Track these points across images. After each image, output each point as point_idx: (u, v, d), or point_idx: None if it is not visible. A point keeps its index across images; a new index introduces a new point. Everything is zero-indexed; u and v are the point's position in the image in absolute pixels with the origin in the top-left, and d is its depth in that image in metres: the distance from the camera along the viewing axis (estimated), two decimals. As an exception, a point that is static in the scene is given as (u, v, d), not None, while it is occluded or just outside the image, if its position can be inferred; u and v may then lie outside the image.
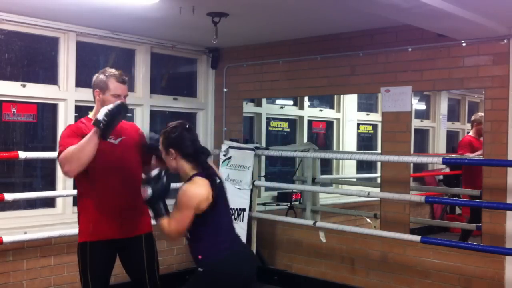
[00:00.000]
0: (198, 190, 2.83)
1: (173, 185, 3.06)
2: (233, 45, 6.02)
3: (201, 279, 2.91)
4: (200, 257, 2.91)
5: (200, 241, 2.92)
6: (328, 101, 7.63)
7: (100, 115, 3.06)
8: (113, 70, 3.36)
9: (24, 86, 4.83)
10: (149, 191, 2.92)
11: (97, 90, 3.34)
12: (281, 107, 7.05)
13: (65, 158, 3.11)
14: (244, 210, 5.44)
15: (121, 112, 3.12)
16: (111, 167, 3.27)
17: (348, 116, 7.66)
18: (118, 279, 4.69)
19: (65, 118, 5.08)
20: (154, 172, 3.00)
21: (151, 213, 3.01)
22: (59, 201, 5.09)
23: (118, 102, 3.16)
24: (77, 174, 3.21)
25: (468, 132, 7.13)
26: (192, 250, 2.98)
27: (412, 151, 4.93)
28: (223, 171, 5.49)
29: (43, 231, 4.69)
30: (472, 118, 6.63)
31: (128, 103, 5.46)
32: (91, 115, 3.42)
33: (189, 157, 2.93)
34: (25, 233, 4.59)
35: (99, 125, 3.04)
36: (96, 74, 3.38)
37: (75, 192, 4.88)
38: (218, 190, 2.92)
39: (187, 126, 3.00)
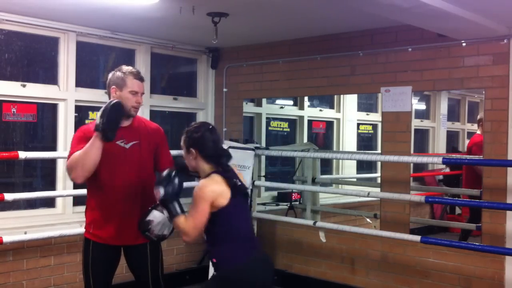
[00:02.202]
0: (213, 185, 2.82)
1: (187, 184, 3.05)
2: (233, 45, 6.02)
3: (215, 284, 2.91)
4: (214, 260, 2.90)
5: (215, 244, 2.90)
6: (328, 101, 7.63)
7: (97, 118, 3.04)
8: (130, 68, 3.35)
9: (24, 86, 4.83)
10: (161, 191, 2.89)
11: (113, 87, 3.29)
12: (281, 107, 7.05)
13: (70, 165, 3.11)
14: (244, 210, 5.43)
15: (117, 109, 3.06)
16: (118, 171, 3.23)
17: (348, 116, 7.66)
18: (118, 279, 4.69)
19: (65, 118, 5.08)
20: (165, 172, 2.98)
21: (166, 214, 2.96)
22: (59, 201, 5.09)
23: (114, 100, 3.12)
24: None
25: (470, 132, 7.11)
26: (208, 253, 2.98)
27: (412, 151, 4.93)
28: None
29: (43, 231, 4.70)
30: (478, 117, 6.58)
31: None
32: None
33: (209, 158, 2.92)
34: (25, 233, 4.60)
35: (98, 128, 3.02)
36: (112, 72, 3.35)
37: (75, 192, 4.95)
38: (237, 193, 2.88)
39: (210, 127, 2.99)
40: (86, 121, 5.33)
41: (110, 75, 3.35)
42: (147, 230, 3.19)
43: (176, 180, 2.92)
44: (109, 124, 3.03)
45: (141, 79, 3.34)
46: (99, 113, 3.05)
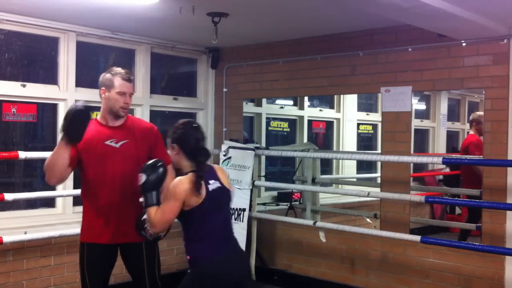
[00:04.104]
0: (188, 184, 2.86)
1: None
2: (233, 45, 6.02)
3: (188, 281, 2.96)
4: (188, 257, 2.96)
5: (189, 241, 2.97)
6: (328, 101, 7.63)
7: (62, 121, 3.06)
8: (119, 69, 3.38)
9: (24, 86, 4.83)
10: (143, 178, 2.98)
11: (103, 88, 3.35)
12: (281, 107, 7.05)
13: (44, 167, 3.16)
14: (244, 210, 5.44)
15: (79, 112, 3.03)
16: (109, 171, 3.26)
17: (348, 116, 7.66)
18: (118, 279, 4.70)
19: (65, 118, 5.08)
20: (152, 161, 3.07)
21: (142, 201, 3.00)
22: (59, 201, 5.09)
23: (78, 103, 3.10)
24: (79, 171, 3.28)
25: (468, 132, 7.13)
26: (185, 249, 3.01)
27: (412, 151, 4.93)
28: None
29: (43, 231, 4.70)
30: (471, 118, 6.60)
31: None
32: (99, 117, 3.42)
33: (189, 155, 2.98)
34: (25, 233, 4.60)
35: (61, 131, 3.05)
36: (103, 73, 3.40)
37: (75, 192, 4.95)
38: (213, 192, 2.94)
39: (195, 125, 3.06)
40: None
41: (100, 77, 3.40)
42: (143, 229, 3.23)
43: (160, 171, 3.01)
44: (70, 127, 3.02)
45: (129, 80, 3.36)
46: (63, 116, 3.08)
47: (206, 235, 2.94)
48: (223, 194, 3.04)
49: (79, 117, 3.04)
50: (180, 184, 2.86)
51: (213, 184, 2.96)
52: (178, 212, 2.87)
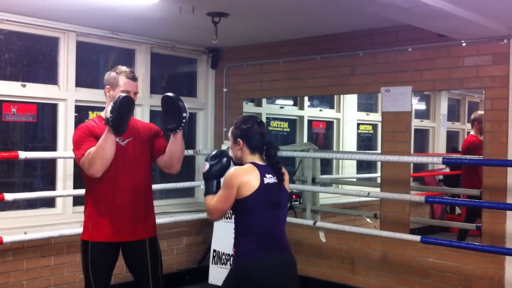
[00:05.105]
0: (242, 173, 2.89)
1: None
2: (233, 45, 6.02)
3: (229, 277, 2.98)
4: (234, 249, 2.96)
5: (236, 234, 2.97)
6: (328, 101, 7.63)
7: (107, 113, 3.07)
8: (124, 67, 3.40)
9: (24, 86, 4.83)
10: (207, 166, 3.04)
11: (107, 87, 3.36)
12: (281, 107, 7.05)
13: (88, 160, 3.14)
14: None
15: (126, 104, 3.09)
16: (115, 169, 3.25)
17: (348, 116, 7.66)
18: (118, 279, 4.70)
19: (65, 118, 5.08)
20: (217, 150, 3.12)
21: (204, 188, 3.06)
22: (59, 201, 5.09)
23: (122, 94, 3.14)
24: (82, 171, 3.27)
25: (468, 132, 7.12)
26: (234, 242, 3.02)
27: (412, 151, 4.93)
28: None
29: (43, 231, 4.69)
30: (472, 117, 6.55)
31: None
32: (103, 114, 3.42)
33: (254, 150, 3.00)
34: (25, 233, 4.59)
35: (109, 123, 3.05)
36: (108, 72, 3.41)
37: (75, 192, 4.95)
38: (267, 186, 2.92)
39: (258, 120, 3.09)
40: (86, 121, 5.34)
41: (105, 75, 3.42)
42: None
43: (224, 161, 3.04)
44: (120, 118, 3.06)
45: (133, 78, 3.38)
46: (109, 108, 3.08)
47: (252, 231, 2.91)
48: (279, 191, 3.00)
49: (125, 108, 3.08)
50: (235, 173, 2.89)
51: (269, 179, 2.95)
52: (232, 200, 2.88)
